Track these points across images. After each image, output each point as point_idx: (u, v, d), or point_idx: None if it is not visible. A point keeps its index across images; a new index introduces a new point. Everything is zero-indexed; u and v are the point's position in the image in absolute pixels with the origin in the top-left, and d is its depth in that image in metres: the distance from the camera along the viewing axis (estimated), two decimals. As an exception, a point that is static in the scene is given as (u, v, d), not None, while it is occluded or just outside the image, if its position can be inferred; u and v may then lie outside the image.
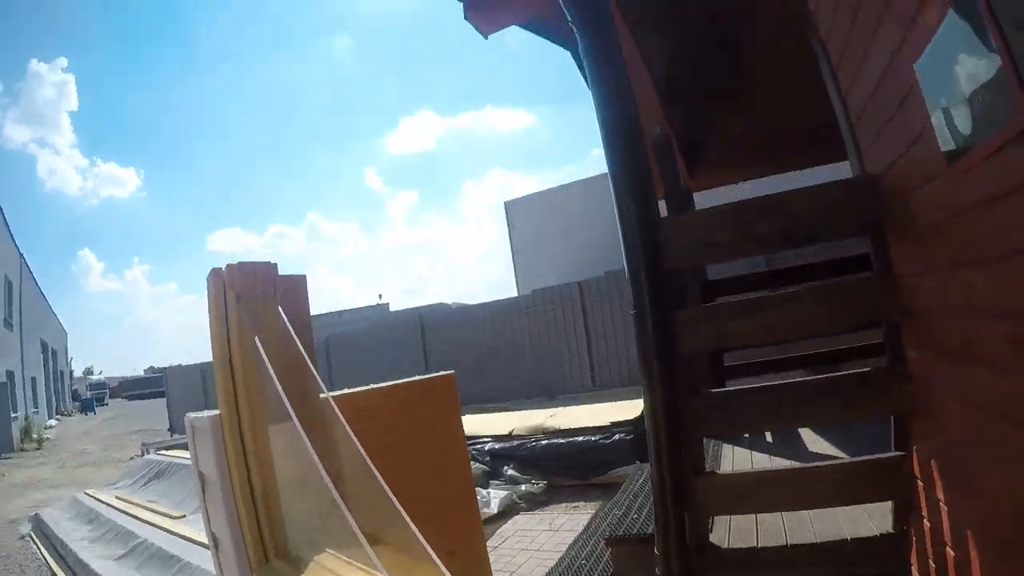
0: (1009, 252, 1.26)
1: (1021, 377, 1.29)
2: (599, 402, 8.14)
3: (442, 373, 2.11)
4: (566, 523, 5.55)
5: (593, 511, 5.57)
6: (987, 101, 1.18)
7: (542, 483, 6.50)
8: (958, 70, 1.28)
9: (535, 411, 8.30)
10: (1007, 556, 1.43)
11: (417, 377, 2.11)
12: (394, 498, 1.16)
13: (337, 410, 1.33)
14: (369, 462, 1.21)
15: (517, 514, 5.97)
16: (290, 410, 1.22)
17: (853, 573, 2.19)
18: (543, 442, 7.00)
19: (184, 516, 5.43)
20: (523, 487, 6.34)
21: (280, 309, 1.42)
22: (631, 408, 6.96)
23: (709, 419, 2.42)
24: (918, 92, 1.51)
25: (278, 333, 1.43)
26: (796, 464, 2.86)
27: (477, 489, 5.69)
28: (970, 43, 1.18)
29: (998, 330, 1.37)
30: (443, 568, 0.84)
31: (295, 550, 1.30)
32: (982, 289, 1.46)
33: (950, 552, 1.76)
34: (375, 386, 1.99)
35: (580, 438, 6.77)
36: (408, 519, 1.08)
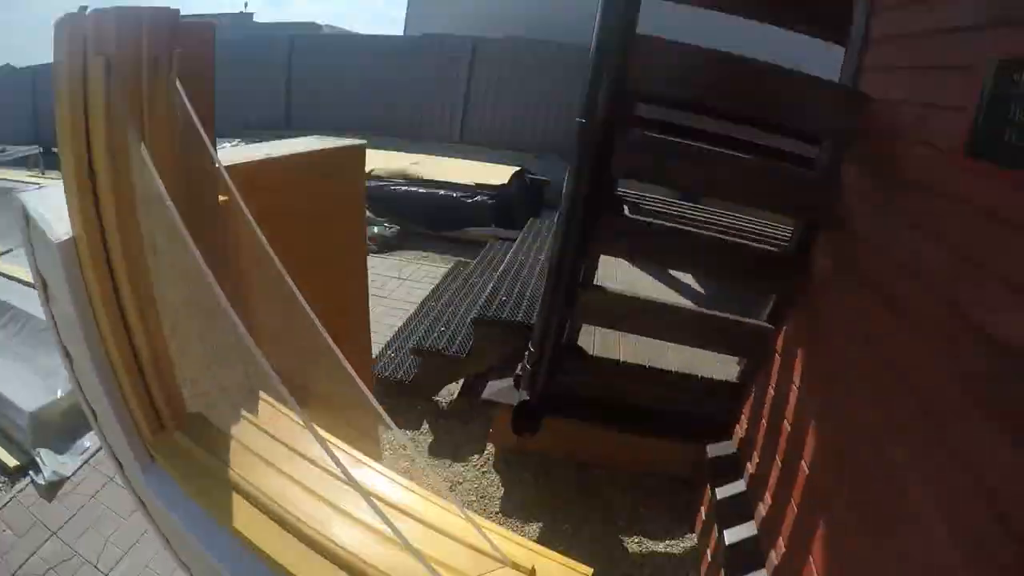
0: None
1: (905, 331, 1.51)
2: (464, 158, 7.87)
3: (351, 144, 1.86)
4: (414, 273, 5.70)
5: (444, 265, 5.75)
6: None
7: (395, 227, 6.43)
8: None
9: (399, 154, 7.80)
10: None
11: (326, 146, 1.79)
12: (317, 322, 0.96)
13: (245, 209, 0.99)
14: (285, 274, 0.96)
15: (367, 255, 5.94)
16: (185, 234, 0.87)
17: (693, 405, 2.56)
18: (403, 188, 6.75)
19: (10, 251, 4.40)
20: (375, 228, 6.23)
21: (180, 89, 0.92)
22: (498, 173, 6.85)
23: (622, 240, 2.38)
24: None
25: (170, 128, 0.95)
26: (684, 302, 3.08)
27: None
28: None
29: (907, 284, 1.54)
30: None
31: (197, 410, 1.06)
32: (910, 246, 1.54)
33: (768, 408, 2.14)
34: (276, 155, 1.66)
35: (441, 192, 6.61)
36: (334, 347, 0.92)
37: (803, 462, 1.85)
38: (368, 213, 6.44)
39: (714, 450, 2.41)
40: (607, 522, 2.60)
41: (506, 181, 6.67)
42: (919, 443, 1.38)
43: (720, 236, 2.51)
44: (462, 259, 5.67)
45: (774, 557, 1.89)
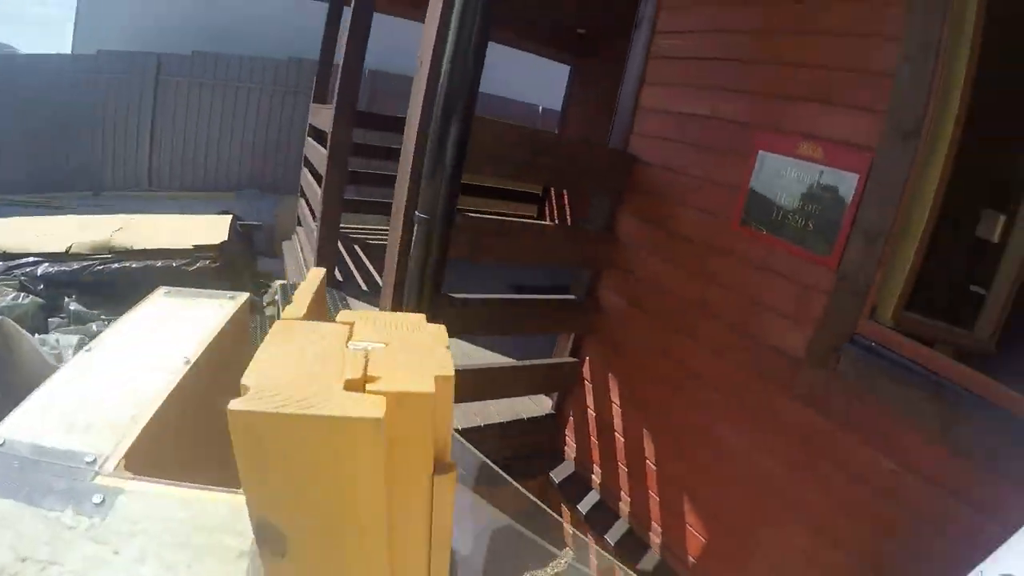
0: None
1: (662, 331, 2.37)
2: (159, 209, 6.39)
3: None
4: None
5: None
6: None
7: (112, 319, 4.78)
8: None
9: (95, 218, 5.82)
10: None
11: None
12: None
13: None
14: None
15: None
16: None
17: (527, 441, 2.90)
18: (113, 265, 5.17)
19: None
20: (94, 325, 4.64)
21: None
22: (213, 227, 5.78)
23: (452, 317, 2.55)
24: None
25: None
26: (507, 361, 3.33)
27: (39, 338, 3.96)
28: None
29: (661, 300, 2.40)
30: None
31: None
32: (663, 271, 2.40)
33: (592, 423, 2.72)
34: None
35: (159, 263, 5.31)
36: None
37: (623, 451, 2.49)
38: (76, 306, 4.78)
39: (557, 475, 2.83)
40: None
41: (226, 236, 5.68)
42: (722, 408, 2.12)
43: (524, 297, 2.93)
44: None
45: (653, 537, 2.43)
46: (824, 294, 1.85)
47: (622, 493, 2.58)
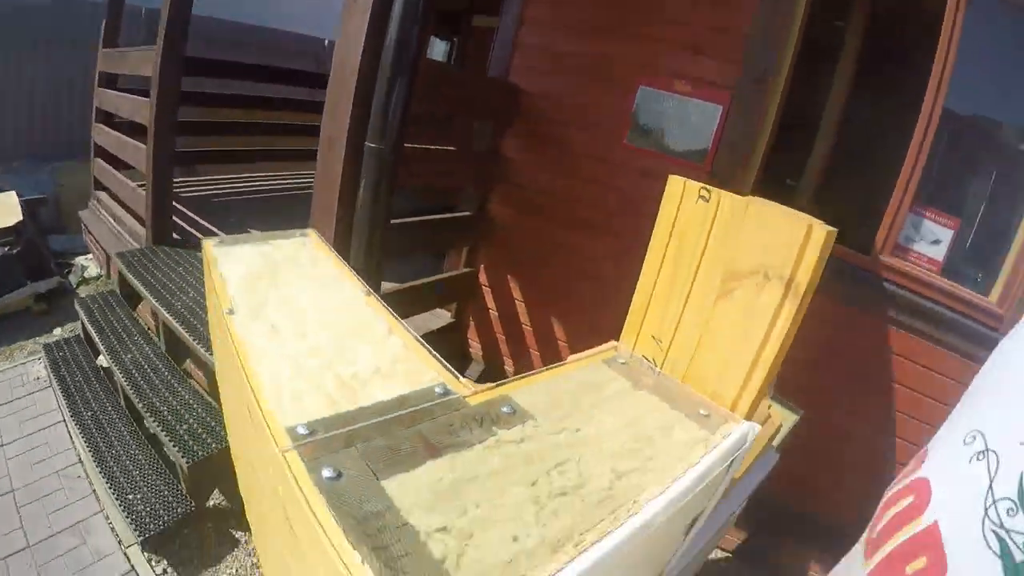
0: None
1: (557, 231, 2.88)
2: None
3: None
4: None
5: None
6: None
7: None
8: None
9: None
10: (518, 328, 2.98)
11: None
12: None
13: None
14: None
15: None
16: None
17: (439, 351, 3.11)
18: None
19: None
20: None
21: None
22: (6, 209, 4.33)
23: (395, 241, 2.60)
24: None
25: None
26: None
27: None
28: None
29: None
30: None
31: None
32: (558, 183, 2.89)
33: (496, 321, 3.18)
34: None
35: None
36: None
37: (532, 339, 3.05)
38: None
39: (471, 375, 3.19)
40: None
41: (20, 216, 4.32)
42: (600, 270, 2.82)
43: (437, 217, 3.02)
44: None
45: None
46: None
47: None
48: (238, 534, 2.78)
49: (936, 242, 2.26)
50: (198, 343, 2.70)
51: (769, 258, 1.00)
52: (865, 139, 3.37)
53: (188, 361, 3.12)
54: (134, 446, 2.85)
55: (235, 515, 2.82)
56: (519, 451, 0.78)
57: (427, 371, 0.93)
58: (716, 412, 1.02)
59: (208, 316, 1.42)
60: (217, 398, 2.90)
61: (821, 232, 0.93)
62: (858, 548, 1.57)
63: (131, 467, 2.76)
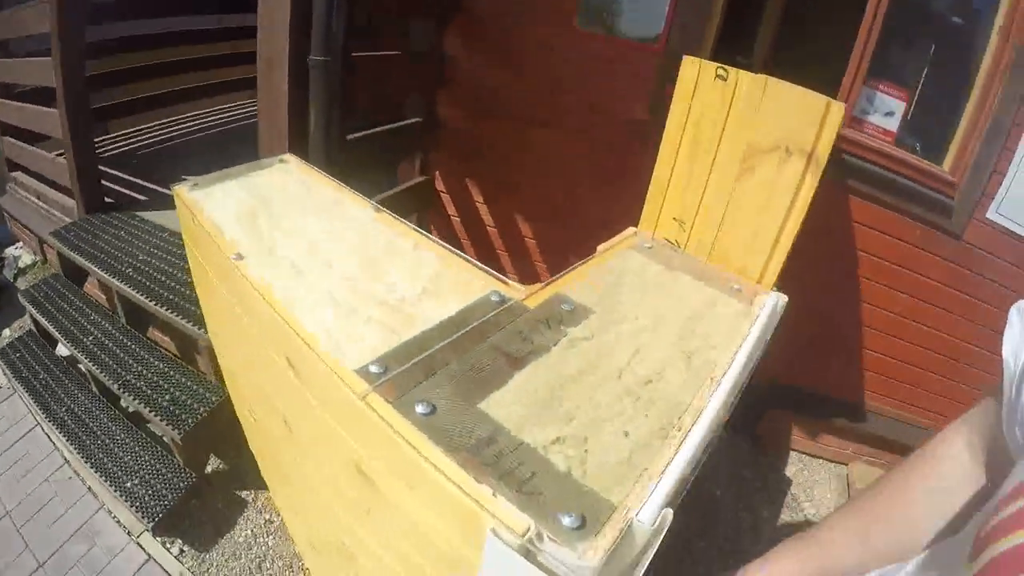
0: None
1: (515, 129, 2.80)
2: None
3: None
4: None
5: None
6: None
7: None
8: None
9: None
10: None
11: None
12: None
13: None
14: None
15: None
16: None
17: None
18: None
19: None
20: None
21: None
22: None
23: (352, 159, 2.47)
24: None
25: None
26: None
27: None
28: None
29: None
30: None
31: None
32: (508, 78, 2.76)
33: (459, 227, 3.13)
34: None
35: None
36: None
37: (498, 240, 3.04)
38: None
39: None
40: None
41: None
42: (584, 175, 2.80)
43: (379, 130, 2.82)
44: None
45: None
46: (655, 70, 2.53)
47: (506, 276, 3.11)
48: (244, 494, 2.76)
49: (889, 114, 2.32)
50: (165, 308, 2.54)
51: (790, 134, 1.00)
52: (812, 14, 3.34)
53: (151, 329, 2.96)
54: (117, 431, 2.76)
55: (238, 477, 2.80)
56: (593, 347, 0.78)
57: (474, 280, 0.89)
58: (747, 286, 1.05)
59: (193, 273, 1.30)
60: (191, 361, 2.77)
61: (838, 109, 0.95)
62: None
63: (120, 453, 2.68)
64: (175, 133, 4.52)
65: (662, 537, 0.56)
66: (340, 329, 0.77)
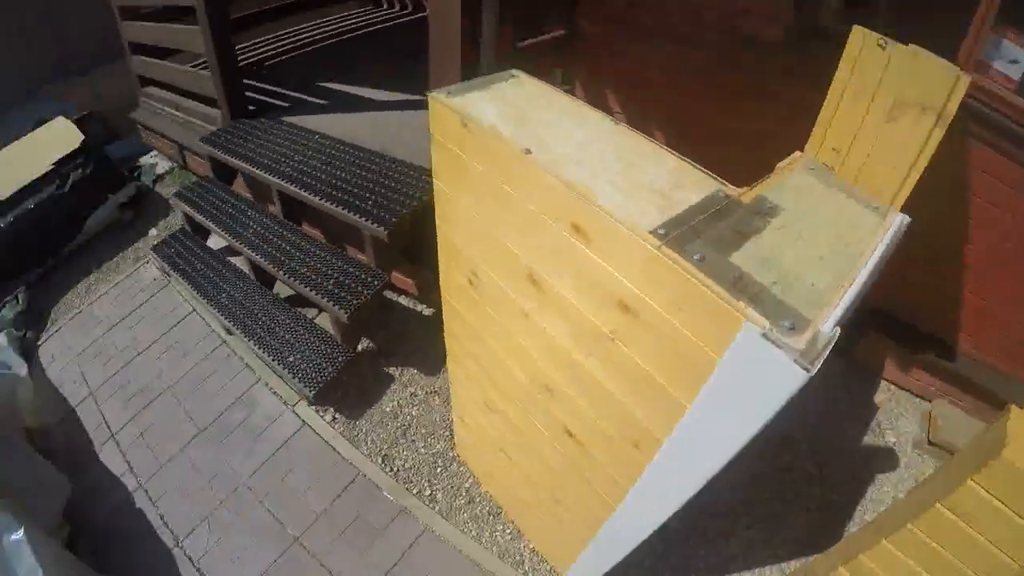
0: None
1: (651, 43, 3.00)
2: None
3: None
4: None
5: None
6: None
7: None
8: None
9: None
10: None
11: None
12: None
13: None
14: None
15: None
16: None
17: None
18: None
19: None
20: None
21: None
22: (55, 138, 4.08)
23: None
24: None
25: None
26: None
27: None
28: None
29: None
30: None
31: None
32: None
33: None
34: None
35: (31, 203, 3.79)
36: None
37: None
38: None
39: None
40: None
41: (81, 137, 4.09)
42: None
43: (534, 40, 3.10)
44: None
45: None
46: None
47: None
48: (391, 371, 2.98)
49: (1014, 62, 2.44)
50: (327, 201, 2.78)
51: (927, 96, 1.37)
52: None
53: (304, 224, 3.24)
54: (278, 312, 2.94)
55: (384, 355, 3.03)
56: (791, 232, 1.22)
57: (706, 179, 1.32)
58: (882, 206, 1.45)
59: (436, 170, 1.58)
60: (329, 249, 3.01)
61: (965, 80, 1.29)
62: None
63: (282, 332, 2.85)
64: (292, 45, 4.72)
65: (835, 341, 1.02)
66: (626, 205, 1.22)
